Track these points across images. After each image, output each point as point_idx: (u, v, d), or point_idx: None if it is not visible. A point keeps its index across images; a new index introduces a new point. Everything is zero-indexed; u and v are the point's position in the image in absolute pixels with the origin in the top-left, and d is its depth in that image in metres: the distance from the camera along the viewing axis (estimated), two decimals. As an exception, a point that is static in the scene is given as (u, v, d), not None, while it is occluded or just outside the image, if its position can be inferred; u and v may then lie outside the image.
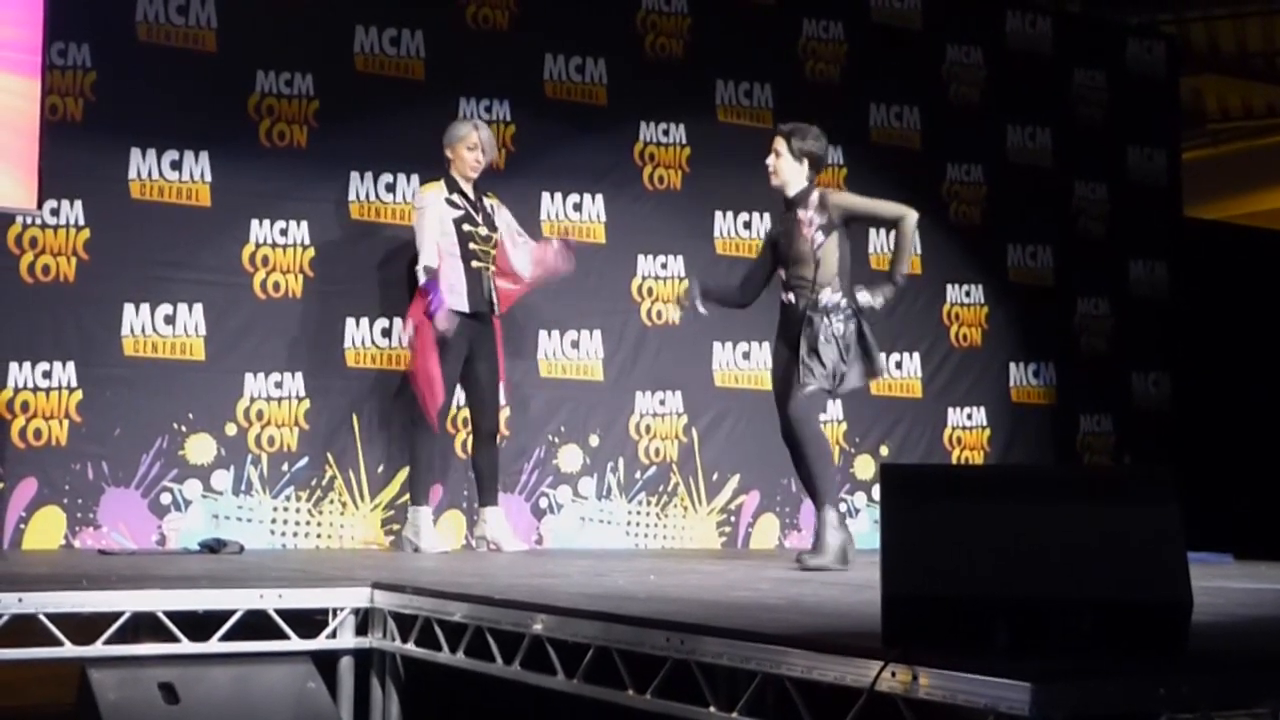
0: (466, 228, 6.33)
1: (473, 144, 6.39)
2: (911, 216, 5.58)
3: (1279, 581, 5.00)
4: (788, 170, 5.62)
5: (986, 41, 8.54)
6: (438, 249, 6.24)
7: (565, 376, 7.19)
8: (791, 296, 5.58)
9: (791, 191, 5.63)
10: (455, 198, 6.35)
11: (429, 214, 6.27)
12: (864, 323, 5.51)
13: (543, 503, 7.06)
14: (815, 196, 5.58)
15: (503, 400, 6.90)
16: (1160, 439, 8.57)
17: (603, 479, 7.20)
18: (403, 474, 6.66)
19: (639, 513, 7.24)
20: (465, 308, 6.26)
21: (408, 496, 6.50)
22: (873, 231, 7.87)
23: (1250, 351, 8.86)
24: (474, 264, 6.34)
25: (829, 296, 5.47)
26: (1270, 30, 10.60)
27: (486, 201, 6.49)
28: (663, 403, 7.37)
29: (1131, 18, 9.58)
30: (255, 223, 6.56)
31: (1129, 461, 8.43)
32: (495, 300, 6.43)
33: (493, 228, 6.45)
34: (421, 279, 6.20)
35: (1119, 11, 9.60)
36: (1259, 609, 3.97)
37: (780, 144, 5.63)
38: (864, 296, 5.50)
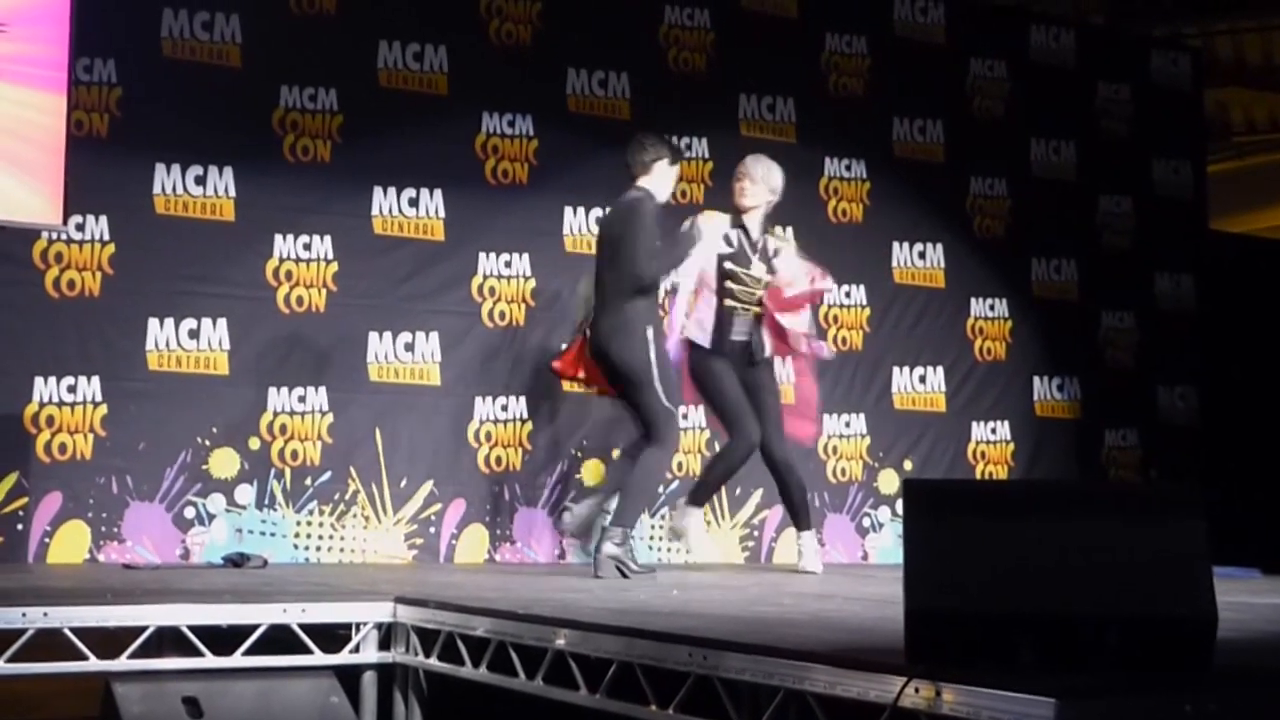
0: (728, 265, 6.10)
1: (735, 175, 6.21)
2: None
3: (1306, 597, 4.97)
4: None
5: (1010, 55, 8.51)
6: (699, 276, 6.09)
7: (587, 390, 7.18)
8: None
9: None
10: (731, 233, 6.15)
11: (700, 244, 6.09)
12: None
13: (565, 517, 7.04)
14: None
15: (526, 414, 6.95)
16: (1187, 453, 8.52)
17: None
18: (425, 488, 6.68)
19: (661, 527, 7.22)
20: (705, 343, 6.09)
21: (433, 510, 6.52)
22: (896, 245, 7.90)
23: (1277, 364, 8.81)
24: (727, 302, 6.10)
25: None
26: (1295, 43, 10.57)
27: (770, 241, 6.22)
28: (685, 417, 7.36)
29: (1156, 30, 9.56)
30: (279, 237, 6.58)
31: (1155, 476, 8.38)
32: (763, 344, 6.13)
33: (768, 268, 6.14)
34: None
35: (1143, 24, 9.57)
36: (1286, 625, 3.94)
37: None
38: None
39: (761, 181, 6.13)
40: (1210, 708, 2.49)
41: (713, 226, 6.14)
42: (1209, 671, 2.62)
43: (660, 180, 5.91)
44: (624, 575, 5.57)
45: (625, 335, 5.70)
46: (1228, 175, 10.74)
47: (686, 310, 6.12)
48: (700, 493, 6.21)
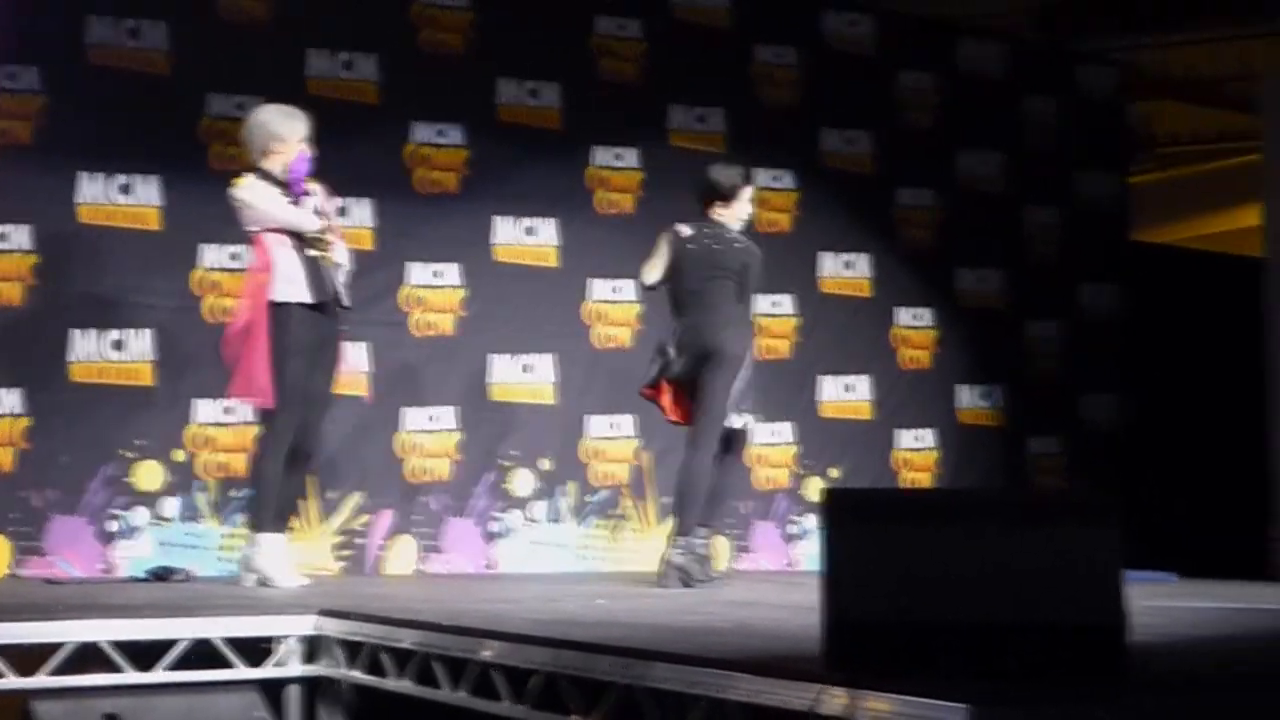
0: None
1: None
2: None
3: (1221, 600, 5.05)
4: None
5: (938, 67, 8.60)
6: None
7: (517, 400, 7.19)
8: None
9: None
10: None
11: None
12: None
13: (494, 527, 7.06)
14: None
15: (455, 424, 6.95)
16: (1110, 460, 8.63)
17: (554, 503, 7.20)
18: (353, 499, 6.65)
19: (590, 536, 7.24)
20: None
21: (361, 522, 6.48)
22: (824, 255, 7.97)
23: (1199, 373, 8.95)
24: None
25: None
26: (1219, 56, 10.74)
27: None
28: (614, 426, 7.38)
29: (1082, 44, 9.69)
30: (205, 247, 6.53)
31: (1077, 483, 8.48)
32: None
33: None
34: None
35: (1069, 38, 9.70)
36: (1200, 629, 4.02)
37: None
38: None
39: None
40: (1123, 713, 2.53)
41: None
42: (1121, 677, 2.66)
43: (744, 205, 6.11)
44: (688, 585, 5.66)
45: (736, 335, 5.87)
46: (1151, 186, 10.88)
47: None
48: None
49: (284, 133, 5.52)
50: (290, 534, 5.77)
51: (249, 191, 5.47)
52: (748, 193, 6.09)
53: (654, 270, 6.02)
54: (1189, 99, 11.07)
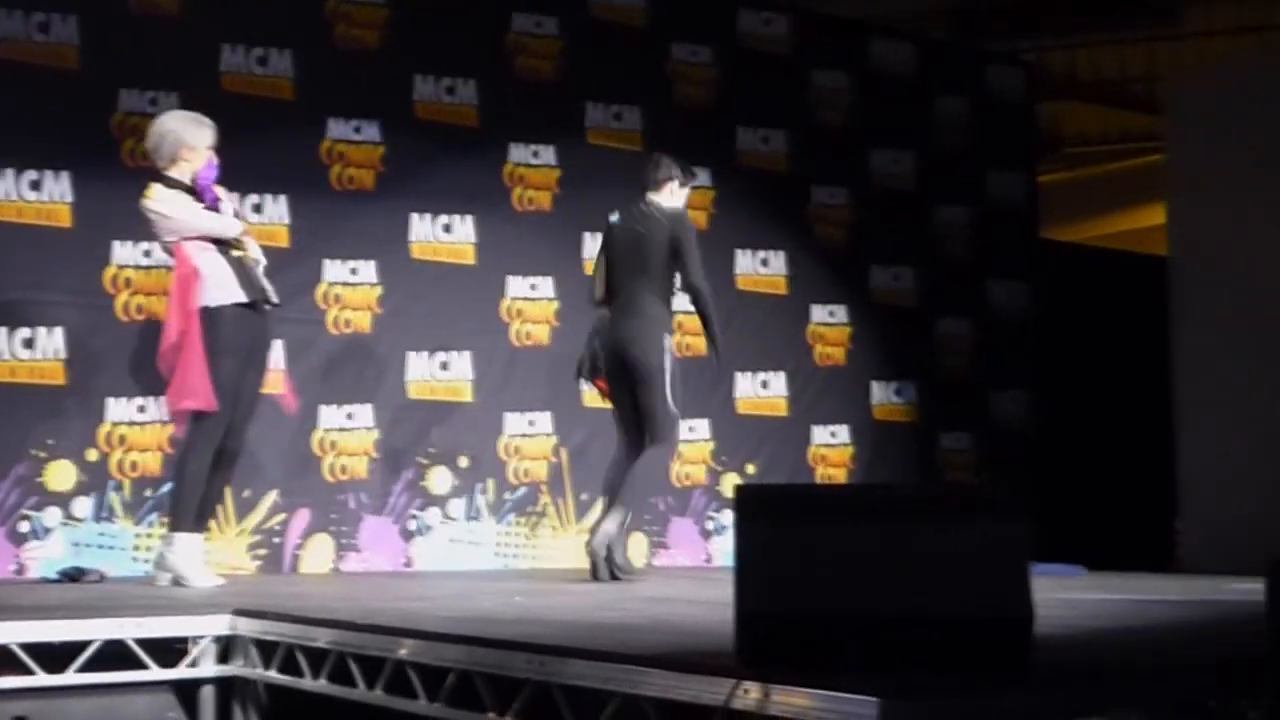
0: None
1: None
2: None
3: (1126, 593, 5.15)
4: None
5: (851, 67, 8.70)
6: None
7: (435, 398, 7.19)
8: None
9: None
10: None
11: None
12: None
13: (412, 525, 7.05)
14: None
15: (373, 422, 6.93)
16: (1019, 456, 8.78)
17: (472, 500, 7.20)
18: (270, 498, 6.62)
19: (509, 534, 7.25)
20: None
21: (277, 520, 6.44)
22: (740, 252, 8.02)
23: (1107, 369, 9.11)
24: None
25: None
26: (1125, 58, 10.94)
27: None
28: (532, 423, 7.39)
29: (992, 44, 9.83)
30: (117, 244, 6.46)
31: (988, 478, 8.62)
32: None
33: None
34: None
35: (980, 38, 9.85)
36: (1104, 620, 4.09)
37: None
38: None
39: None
40: (1027, 704, 2.59)
41: None
42: (1026, 669, 2.72)
43: (675, 200, 6.10)
44: (612, 573, 5.74)
45: (648, 339, 5.88)
46: (1060, 186, 11.07)
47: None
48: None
49: (194, 141, 5.48)
50: (207, 534, 5.73)
51: (165, 204, 5.41)
52: (673, 185, 6.11)
53: (597, 283, 6.12)
54: (1096, 100, 11.26)
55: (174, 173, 5.47)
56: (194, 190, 5.47)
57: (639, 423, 5.96)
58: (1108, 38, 10.55)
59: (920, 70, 8.98)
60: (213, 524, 6.15)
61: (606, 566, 5.74)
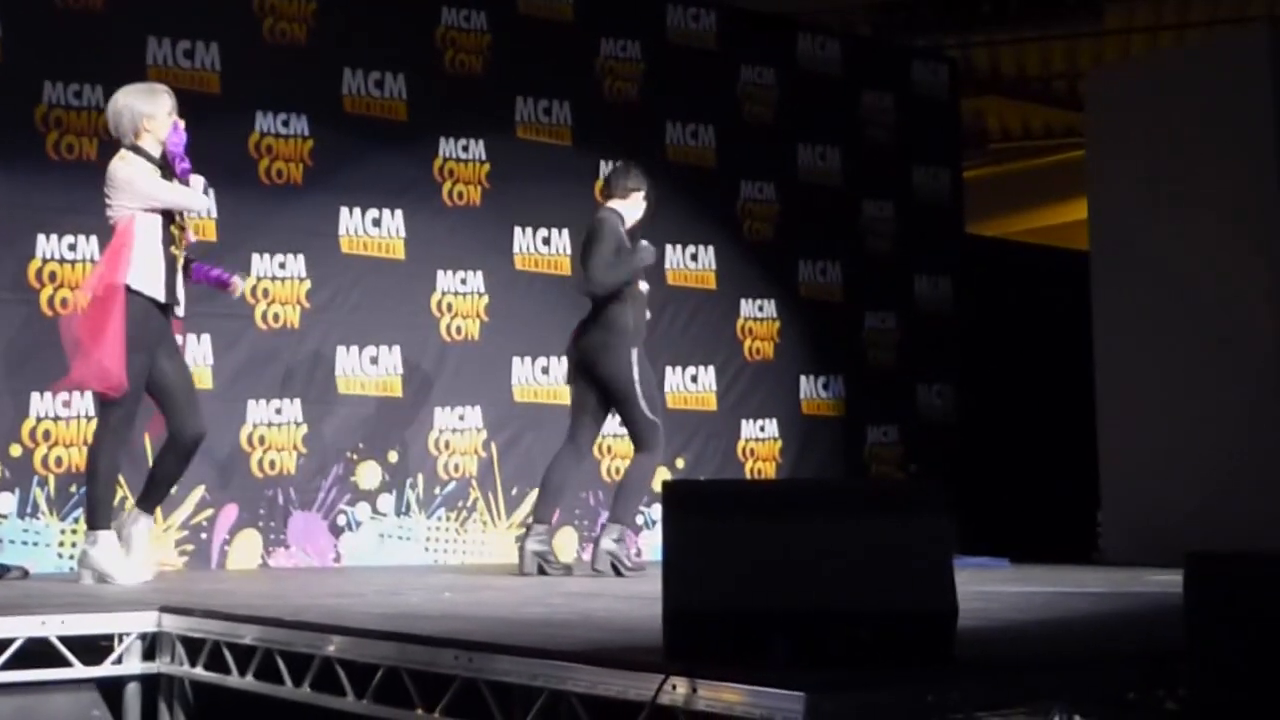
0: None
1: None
2: None
3: (1049, 585, 5.23)
4: None
5: (779, 63, 8.75)
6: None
7: (364, 393, 7.16)
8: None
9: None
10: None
11: None
12: None
13: (341, 520, 7.02)
14: None
15: (301, 417, 6.90)
16: (944, 449, 8.88)
17: (402, 495, 7.18)
18: (197, 493, 6.57)
19: (438, 529, 7.24)
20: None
21: (205, 516, 6.39)
22: (670, 248, 8.05)
23: (1031, 363, 9.22)
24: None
25: None
26: (1048, 55, 11.09)
27: None
28: (462, 418, 7.39)
29: (917, 41, 9.93)
30: (42, 238, 6.39)
31: (914, 471, 8.70)
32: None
33: None
34: None
35: (905, 35, 9.94)
36: (1028, 613, 4.15)
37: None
38: None
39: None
40: (952, 696, 2.63)
41: None
42: (951, 662, 2.76)
43: (633, 208, 6.15)
44: (618, 573, 5.82)
45: (615, 360, 5.91)
46: (984, 181, 11.21)
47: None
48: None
49: (151, 109, 5.39)
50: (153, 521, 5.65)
51: (132, 167, 5.29)
52: (638, 197, 6.21)
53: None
54: (1019, 96, 11.41)
55: (141, 145, 5.38)
56: (166, 165, 5.38)
57: (592, 429, 6.08)
58: (1031, 34, 10.68)
59: (846, 66, 9.04)
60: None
61: (558, 564, 5.96)
